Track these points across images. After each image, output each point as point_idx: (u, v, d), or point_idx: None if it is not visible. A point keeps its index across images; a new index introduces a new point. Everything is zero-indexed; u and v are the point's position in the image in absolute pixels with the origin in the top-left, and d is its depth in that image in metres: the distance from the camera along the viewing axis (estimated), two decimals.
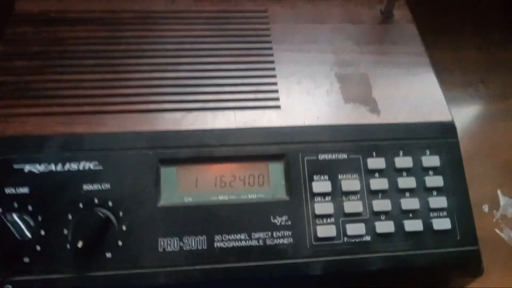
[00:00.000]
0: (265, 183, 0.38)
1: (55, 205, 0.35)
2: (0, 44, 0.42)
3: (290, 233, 0.36)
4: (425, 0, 0.50)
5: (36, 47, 0.42)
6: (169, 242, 0.35)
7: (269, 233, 0.36)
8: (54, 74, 0.40)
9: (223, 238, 0.36)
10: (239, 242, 0.36)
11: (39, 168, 0.36)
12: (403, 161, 0.39)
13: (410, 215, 0.38)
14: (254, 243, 0.36)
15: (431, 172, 0.39)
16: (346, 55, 0.44)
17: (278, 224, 0.36)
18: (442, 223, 0.38)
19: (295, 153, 0.38)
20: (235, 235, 0.36)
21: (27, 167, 0.36)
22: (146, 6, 0.45)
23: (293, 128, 0.39)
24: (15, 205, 0.35)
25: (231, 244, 0.35)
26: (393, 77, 0.43)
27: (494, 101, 0.55)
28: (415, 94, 0.42)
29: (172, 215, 0.36)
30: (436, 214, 0.38)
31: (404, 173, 0.39)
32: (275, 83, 0.41)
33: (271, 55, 0.43)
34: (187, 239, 0.35)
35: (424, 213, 0.38)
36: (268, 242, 0.36)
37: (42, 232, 0.34)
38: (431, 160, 0.39)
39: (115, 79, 0.40)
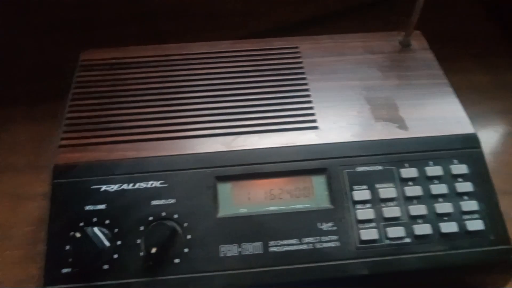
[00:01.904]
0: (310, 194, 0.42)
1: (128, 219, 0.40)
2: (74, 87, 0.49)
3: (336, 238, 0.40)
4: (433, 32, 0.56)
5: (103, 87, 0.49)
6: (229, 248, 0.39)
7: (318, 238, 0.40)
8: (119, 109, 0.47)
9: (277, 244, 0.40)
10: (291, 247, 0.40)
11: (113, 187, 0.41)
12: (434, 170, 0.43)
13: (445, 218, 0.41)
14: (304, 247, 0.40)
15: (460, 179, 0.43)
16: (371, 81, 0.50)
17: (324, 229, 0.40)
18: (475, 224, 0.41)
19: (335, 166, 0.43)
20: (287, 240, 0.40)
21: (103, 187, 0.41)
22: (192, 49, 0.53)
23: (332, 144, 0.44)
24: (95, 219, 0.40)
25: (284, 249, 0.39)
26: (416, 98, 0.48)
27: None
28: (438, 111, 0.47)
29: (230, 224, 0.40)
30: (469, 216, 0.41)
31: (436, 181, 0.43)
32: (312, 107, 0.47)
33: (306, 84, 0.49)
34: (245, 245, 0.39)
35: (458, 215, 0.41)
36: (317, 245, 0.40)
37: (119, 242, 0.39)
38: (459, 168, 0.43)
39: (172, 110, 0.46)
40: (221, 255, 0.39)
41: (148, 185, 0.41)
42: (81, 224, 0.39)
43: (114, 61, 0.52)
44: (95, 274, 0.38)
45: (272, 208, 0.41)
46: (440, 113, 0.47)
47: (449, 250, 0.40)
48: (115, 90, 0.49)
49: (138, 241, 0.39)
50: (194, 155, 0.43)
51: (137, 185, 0.41)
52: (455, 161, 0.44)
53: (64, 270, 0.38)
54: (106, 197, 0.41)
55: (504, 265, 0.41)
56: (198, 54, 0.52)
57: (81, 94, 0.48)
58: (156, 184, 0.42)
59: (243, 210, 0.41)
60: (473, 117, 0.47)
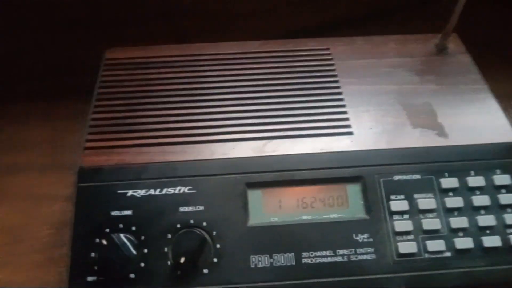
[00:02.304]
0: (344, 203, 0.40)
1: (155, 226, 0.38)
2: (99, 86, 0.47)
3: (372, 250, 0.38)
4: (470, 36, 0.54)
5: (129, 87, 0.47)
6: (260, 259, 0.38)
7: (353, 250, 0.38)
8: (146, 110, 0.45)
9: (310, 255, 0.38)
10: (325, 259, 0.38)
11: (140, 192, 0.40)
12: (475, 181, 0.41)
13: (488, 231, 0.39)
14: (339, 259, 0.38)
15: (503, 190, 0.40)
16: (407, 86, 0.48)
17: (360, 241, 0.38)
18: None
19: (371, 174, 0.41)
20: (321, 252, 0.38)
21: (130, 192, 0.40)
22: (221, 49, 0.51)
23: (368, 151, 0.42)
24: (121, 226, 0.38)
25: (317, 260, 0.38)
26: (455, 104, 0.46)
27: None
28: (479, 118, 0.45)
29: (261, 234, 0.38)
30: None
31: (478, 192, 0.40)
32: (345, 112, 0.45)
33: (339, 87, 0.47)
34: (277, 256, 0.38)
35: (501, 229, 0.39)
36: (352, 258, 0.38)
37: (145, 250, 0.38)
38: (502, 179, 0.41)
39: (201, 113, 0.45)
40: (252, 266, 0.37)
41: (176, 191, 0.40)
42: (107, 230, 0.38)
43: (140, 60, 0.50)
44: (121, 283, 0.37)
45: (304, 217, 0.40)
46: (480, 121, 0.45)
47: (491, 265, 0.38)
48: (142, 90, 0.47)
49: (166, 249, 0.38)
50: (224, 160, 0.41)
51: (164, 191, 0.40)
52: (498, 171, 0.41)
53: (90, 278, 0.37)
54: (132, 202, 0.39)
55: None
56: (227, 54, 0.50)
57: (107, 94, 0.47)
58: (184, 190, 0.40)
59: (274, 219, 0.39)
60: None
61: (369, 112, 0.45)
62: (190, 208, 0.39)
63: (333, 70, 0.49)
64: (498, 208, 0.40)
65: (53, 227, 0.48)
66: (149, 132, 0.44)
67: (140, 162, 0.42)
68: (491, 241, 0.39)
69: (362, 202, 0.40)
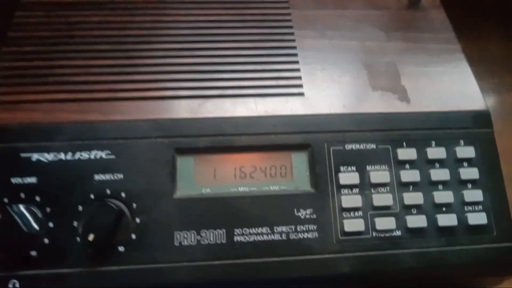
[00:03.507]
0: (288, 175, 0.35)
1: (64, 196, 0.33)
2: (11, 29, 0.40)
3: (315, 227, 0.34)
4: None
5: (47, 32, 0.40)
6: (185, 235, 0.33)
7: (293, 227, 0.34)
8: (64, 59, 0.38)
9: (244, 232, 0.33)
10: (261, 236, 0.33)
11: (47, 157, 0.34)
12: (436, 152, 0.36)
13: (444, 209, 0.35)
14: (276, 237, 0.33)
15: (465, 164, 0.36)
16: (372, 42, 0.42)
17: (302, 217, 0.34)
18: (477, 218, 0.35)
19: (320, 142, 0.36)
20: (256, 229, 0.33)
21: (35, 156, 0.34)
22: None
23: (318, 116, 0.37)
24: (22, 195, 0.33)
25: (252, 238, 0.33)
26: (422, 65, 0.41)
27: None
28: (446, 82, 0.40)
29: (189, 207, 0.33)
30: (471, 208, 0.35)
31: (437, 165, 0.36)
32: (298, 69, 0.39)
33: (293, 40, 0.41)
34: (205, 233, 0.33)
35: (459, 207, 0.35)
36: (292, 236, 0.33)
37: (51, 225, 0.32)
38: (465, 151, 0.36)
39: (128, 64, 0.38)
40: (176, 243, 0.32)
41: (91, 156, 0.34)
42: (5, 200, 0.32)
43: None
44: (20, 261, 0.31)
45: (241, 189, 0.35)
46: (448, 85, 0.40)
47: (444, 246, 0.34)
48: (60, 36, 0.40)
49: (76, 223, 0.32)
50: (151, 121, 0.35)
51: (77, 155, 0.34)
52: (462, 142, 0.37)
53: None
54: (38, 168, 0.33)
55: (506, 265, 0.35)
56: None
57: (18, 39, 0.39)
58: (101, 155, 0.34)
59: (206, 191, 0.34)
60: (487, 92, 0.40)
61: (325, 71, 0.40)
62: (107, 176, 0.33)
63: (289, 20, 0.42)
64: (457, 184, 0.36)
65: None
66: (64, 85, 0.37)
67: (50, 121, 0.35)
68: (447, 219, 0.35)
69: (307, 173, 0.35)
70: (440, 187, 0.36)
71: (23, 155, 0.34)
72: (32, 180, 0.33)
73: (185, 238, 0.33)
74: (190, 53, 0.39)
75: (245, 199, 0.34)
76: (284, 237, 0.33)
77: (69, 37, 0.40)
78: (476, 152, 0.37)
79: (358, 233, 0.34)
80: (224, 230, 0.33)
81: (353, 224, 0.34)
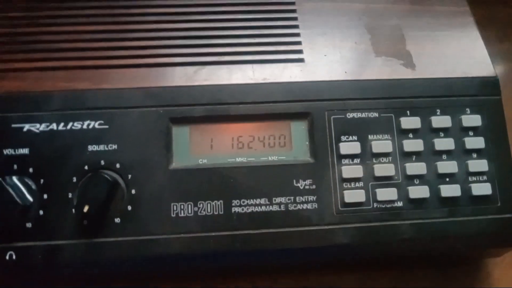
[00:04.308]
0: (287, 144, 0.34)
1: (58, 167, 0.32)
2: None
3: (314, 198, 0.33)
4: None
5: None
6: (182, 207, 0.32)
7: (292, 198, 0.33)
8: (53, 25, 0.36)
9: (241, 203, 0.32)
10: (259, 208, 0.33)
11: (39, 127, 0.33)
12: (441, 121, 0.35)
13: (447, 179, 0.34)
14: (275, 208, 0.33)
15: (471, 133, 0.35)
16: (376, 4, 0.40)
17: (301, 188, 0.33)
18: (481, 188, 0.34)
19: (320, 111, 0.34)
20: (254, 200, 0.33)
21: (27, 126, 0.33)
22: None
23: (318, 83, 0.35)
24: (15, 167, 0.32)
25: (249, 210, 0.32)
26: (429, 28, 0.39)
27: None
28: (454, 46, 0.38)
29: (186, 178, 0.33)
30: (475, 179, 0.34)
31: (441, 134, 0.35)
32: (297, 34, 0.37)
33: (293, 3, 0.39)
34: (202, 204, 0.32)
35: (462, 177, 0.34)
36: (291, 207, 0.33)
37: (45, 196, 0.32)
38: (471, 119, 0.35)
39: (120, 30, 0.36)
40: (173, 214, 0.32)
41: (84, 126, 0.33)
42: None
43: None
44: (15, 233, 0.31)
45: (239, 159, 0.34)
46: (455, 50, 0.38)
47: (447, 217, 0.34)
48: (49, 0, 0.38)
49: (70, 195, 0.32)
50: (145, 89, 0.34)
51: (70, 125, 0.33)
52: (468, 110, 0.35)
53: None
54: (30, 139, 0.32)
55: (510, 237, 0.34)
56: None
57: (4, 3, 0.38)
58: (95, 124, 0.33)
59: (202, 161, 0.33)
60: (495, 57, 0.38)
61: (325, 36, 0.38)
62: (101, 147, 0.33)
63: None
64: (462, 153, 0.35)
65: None
66: (53, 52, 0.35)
67: (41, 89, 0.34)
68: (450, 190, 0.34)
69: (307, 143, 0.34)
70: (444, 157, 0.34)
71: (14, 125, 0.33)
72: (24, 151, 0.32)
73: (182, 209, 0.32)
74: (185, 17, 0.37)
75: (243, 169, 0.33)
76: (282, 208, 0.33)
77: (58, 1, 0.38)
78: (482, 120, 0.35)
79: (359, 204, 0.33)
80: (221, 201, 0.32)
81: (354, 195, 0.33)
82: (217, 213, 0.32)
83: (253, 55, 0.36)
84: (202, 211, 0.32)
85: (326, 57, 0.37)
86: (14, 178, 0.31)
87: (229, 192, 0.33)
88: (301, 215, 0.33)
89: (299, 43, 0.37)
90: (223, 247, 0.32)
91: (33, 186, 0.32)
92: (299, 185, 0.33)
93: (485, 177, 0.35)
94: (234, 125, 0.34)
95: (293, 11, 0.38)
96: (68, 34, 0.36)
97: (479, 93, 0.36)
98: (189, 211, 0.32)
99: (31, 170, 0.32)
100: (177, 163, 0.33)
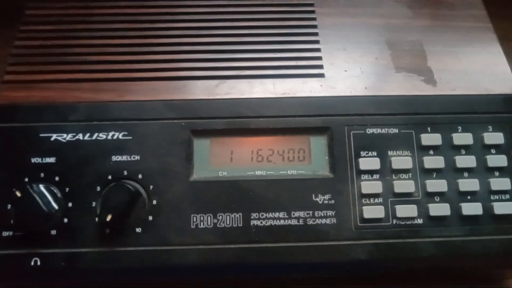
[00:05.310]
0: (306, 158, 0.34)
1: (82, 176, 0.33)
2: (28, 7, 0.39)
3: (333, 213, 0.33)
4: None
5: (63, 10, 0.39)
6: (202, 218, 0.33)
7: (310, 213, 0.33)
8: (81, 39, 0.38)
9: (260, 216, 0.33)
10: (277, 221, 0.33)
11: (66, 137, 0.34)
12: (462, 138, 0.34)
13: (468, 197, 0.34)
14: (293, 222, 0.33)
15: (493, 151, 0.35)
16: (397, 20, 0.40)
17: (320, 203, 0.33)
18: (504, 207, 0.34)
19: (340, 126, 0.34)
20: (273, 213, 0.33)
21: (54, 136, 0.34)
22: None
23: (338, 98, 0.35)
24: (42, 175, 0.33)
25: (268, 223, 0.33)
26: (450, 44, 0.39)
27: None
28: (476, 63, 0.38)
29: (206, 190, 0.33)
30: (497, 197, 0.34)
31: (463, 151, 0.34)
32: (318, 49, 0.38)
33: (314, 19, 0.39)
34: (222, 216, 0.33)
35: (484, 195, 0.34)
36: (309, 222, 0.33)
37: (70, 204, 0.32)
38: (494, 137, 0.35)
39: (144, 44, 0.38)
40: (192, 226, 0.32)
41: (109, 137, 0.34)
42: (26, 179, 0.33)
43: None
44: (41, 239, 0.32)
45: (258, 172, 0.34)
46: (478, 66, 0.38)
47: (468, 236, 0.33)
48: (77, 14, 0.39)
49: (94, 204, 0.32)
50: (167, 102, 0.35)
51: (95, 136, 0.34)
52: (490, 127, 0.35)
53: (5, 233, 0.32)
54: (57, 148, 0.33)
55: None
56: None
57: (36, 17, 0.39)
58: (118, 135, 0.34)
59: (222, 173, 0.34)
60: None
61: (346, 51, 0.38)
62: (124, 157, 0.33)
63: None
64: (483, 171, 0.34)
65: None
66: (81, 64, 0.37)
67: (68, 100, 0.35)
68: (471, 208, 0.33)
69: (326, 157, 0.34)
70: (466, 174, 0.34)
71: (41, 134, 0.34)
72: (51, 160, 0.33)
73: (202, 221, 0.33)
74: (207, 32, 0.38)
75: (262, 182, 0.33)
76: (301, 222, 0.33)
77: (86, 15, 0.39)
78: (505, 138, 0.35)
79: (378, 220, 0.33)
80: (240, 214, 0.33)
81: (373, 211, 0.33)
82: (236, 225, 0.33)
83: (274, 70, 0.37)
84: (221, 223, 0.33)
85: (346, 72, 0.37)
86: (41, 186, 0.32)
87: (248, 205, 0.33)
88: (319, 230, 0.33)
89: (319, 58, 0.37)
90: (241, 260, 0.32)
91: (59, 194, 0.32)
92: (318, 199, 0.33)
93: (507, 196, 0.34)
94: (254, 138, 0.35)
95: (314, 26, 0.39)
96: (94, 47, 0.37)
97: (502, 110, 0.35)
98: (209, 223, 0.33)
99: (57, 178, 0.33)
100: (198, 174, 0.34)
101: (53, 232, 0.32)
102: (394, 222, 0.33)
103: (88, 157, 0.33)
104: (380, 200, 0.33)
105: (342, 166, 0.34)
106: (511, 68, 0.38)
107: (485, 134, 0.35)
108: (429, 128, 0.35)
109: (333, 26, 0.39)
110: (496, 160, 0.34)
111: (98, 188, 0.33)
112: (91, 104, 0.35)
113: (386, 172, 0.34)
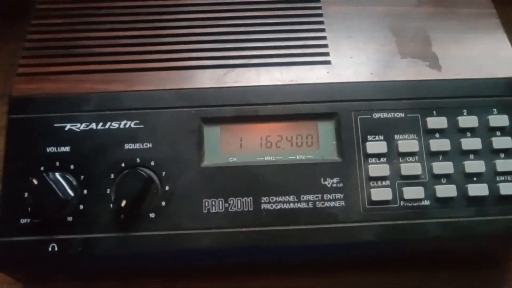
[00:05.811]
0: (314, 144, 0.35)
1: (97, 164, 0.34)
2: (39, 1, 0.40)
3: (341, 196, 0.34)
4: None
5: (73, 3, 0.40)
6: (213, 203, 0.33)
7: (319, 196, 0.34)
8: (91, 31, 0.39)
9: (270, 200, 0.34)
10: (287, 205, 0.33)
11: (79, 126, 0.35)
12: (467, 121, 0.35)
13: (474, 178, 0.34)
14: (303, 205, 0.34)
15: (498, 133, 0.35)
16: (401, 7, 0.40)
17: (328, 186, 0.34)
18: (509, 188, 0.34)
19: (347, 111, 0.35)
20: (283, 197, 0.34)
21: (68, 126, 0.35)
22: None
23: (345, 84, 0.36)
24: (57, 164, 0.34)
25: (278, 206, 0.33)
26: (454, 30, 0.39)
27: None
28: (480, 48, 0.38)
29: (216, 175, 0.34)
30: (503, 178, 0.34)
31: (468, 134, 0.35)
32: (324, 37, 0.38)
33: (319, 7, 0.40)
34: (233, 200, 0.33)
35: (490, 176, 0.34)
36: (318, 205, 0.34)
37: (85, 191, 0.33)
38: (498, 119, 0.35)
39: (153, 35, 0.38)
40: (204, 210, 0.33)
41: (121, 126, 0.35)
42: (42, 168, 0.34)
43: None
44: (57, 226, 0.33)
45: (267, 158, 0.35)
46: (482, 51, 0.38)
47: (474, 216, 0.34)
48: (87, 7, 0.40)
49: (108, 190, 0.33)
50: (177, 91, 0.36)
51: (108, 125, 0.35)
52: (495, 110, 0.36)
53: (23, 221, 0.33)
54: (71, 137, 0.34)
55: None
56: None
57: (47, 11, 0.40)
58: (131, 124, 0.35)
59: (232, 160, 0.35)
60: None
61: (351, 38, 0.39)
62: (137, 145, 0.34)
63: None
64: (489, 153, 0.35)
65: None
66: (92, 56, 0.37)
67: (80, 91, 0.36)
68: (477, 189, 0.34)
69: (334, 142, 0.35)
70: (471, 156, 0.35)
71: (56, 125, 0.35)
72: (66, 149, 0.34)
73: (213, 205, 0.33)
74: (214, 22, 0.39)
75: (271, 168, 0.34)
76: (310, 205, 0.34)
77: (95, 8, 0.40)
78: (510, 120, 0.35)
79: (385, 202, 0.34)
80: (251, 198, 0.34)
81: (380, 193, 0.34)
82: (246, 209, 0.33)
83: (281, 58, 0.37)
84: (232, 207, 0.33)
85: (352, 59, 0.37)
86: (57, 174, 0.33)
87: (258, 189, 0.34)
88: (328, 213, 0.33)
89: (325, 45, 0.38)
90: (252, 242, 0.33)
91: (74, 182, 0.33)
92: (326, 183, 0.34)
93: None
94: (263, 125, 0.35)
95: (320, 15, 0.40)
96: (104, 39, 0.38)
97: (506, 93, 0.36)
98: (220, 207, 0.33)
99: (72, 166, 0.34)
100: (208, 161, 0.34)
101: (70, 218, 0.33)
102: (402, 204, 0.34)
103: (101, 146, 0.34)
104: (388, 182, 0.34)
105: (349, 151, 0.35)
106: None
107: (490, 117, 0.35)
108: (434, 112, 0.35)
109: (338, 14, 0.40)
110: (502, 142, 0.35)
111: (112, 176, 0.34)
112: (103, 94, 0.36)
113: (393, 155, 0.34)
